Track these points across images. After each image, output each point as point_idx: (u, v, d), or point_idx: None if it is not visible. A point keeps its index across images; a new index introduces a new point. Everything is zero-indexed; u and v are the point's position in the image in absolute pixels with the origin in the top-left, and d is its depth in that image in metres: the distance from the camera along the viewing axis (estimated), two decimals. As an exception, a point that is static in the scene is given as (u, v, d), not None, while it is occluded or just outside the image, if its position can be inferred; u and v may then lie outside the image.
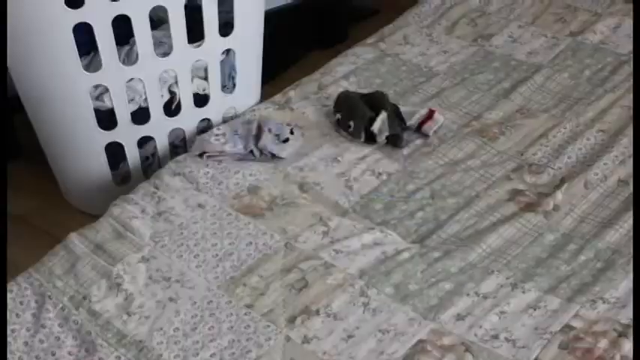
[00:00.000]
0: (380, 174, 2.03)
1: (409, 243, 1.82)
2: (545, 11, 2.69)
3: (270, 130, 2.09)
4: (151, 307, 1.68)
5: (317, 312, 1.64)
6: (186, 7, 2.08)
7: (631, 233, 1.80)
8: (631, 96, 2.24)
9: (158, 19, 2.17)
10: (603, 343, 1.53)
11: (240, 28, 2.21)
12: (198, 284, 1.73)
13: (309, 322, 1.62)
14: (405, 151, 2.10)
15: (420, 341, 1.57)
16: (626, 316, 1.59)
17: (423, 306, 1.64)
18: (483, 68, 2.41)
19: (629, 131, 2.09)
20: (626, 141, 2.06)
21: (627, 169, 1.98)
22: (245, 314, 1.65)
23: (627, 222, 1.83)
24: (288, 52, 3.01)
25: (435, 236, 1.83)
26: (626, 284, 1.67)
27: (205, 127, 2.30)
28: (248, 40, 2.28)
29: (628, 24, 2.57)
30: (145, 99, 2.19)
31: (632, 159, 2.01)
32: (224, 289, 1.71)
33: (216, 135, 2.10)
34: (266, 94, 2.41)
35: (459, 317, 1.62)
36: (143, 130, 2.23)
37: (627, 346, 1.52)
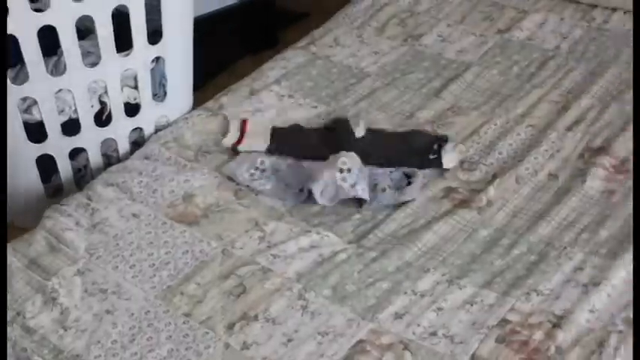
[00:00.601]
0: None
1: (346, 244, 1.82)
2: (473, 10, 2.72)
3: (385, 189, 1.95)
4: (87, 321, 1.66)
5: (255, 317, 1.63)
6: (113, 15, 2.06)
7: (562, 225, 1.83)
8: (558, 91, 2.28)
9: (86, 29, 2.14)
10: (538, 335, 1.56)
11: (169, 36, 2.19)
12: (135, 295, 1.71)
13: (247, 327, 1.62)
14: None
15: (360, 342, 1.57)
16: (560, 307, 1.62)
17: (361, 306, 1.65)
18: (414, 68, 2.43)
19: (558, 125, 2.14)
20: (555, 135, 2.10)
21: (556, 163, 2.02)
22: (183, 323, 1.64)
23: (558, 214, 1.86)
24: (219, 58, 3.00)
25: (372, 236, 1.84)
26: (559, 276, 1.70)
27: (137, 137, 2.28)
28: (177, 48, 2.26)
29: (552, 20, 2.62)
30: (75, 110, 2.17)
31: (560, 153, 2.05)
32: (161, 298, 1.70)
33: (254, 169, 2.03)
34: (197, 101, 2.40)
35: (397, 316, 1.63)
36: (74, 142, 2.21)
37: (561, 336, 1.55)
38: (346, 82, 2.39)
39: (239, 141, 2.11)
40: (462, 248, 1.79)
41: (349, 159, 1.96)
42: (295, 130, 2.16)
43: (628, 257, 1.71)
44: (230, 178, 2.01)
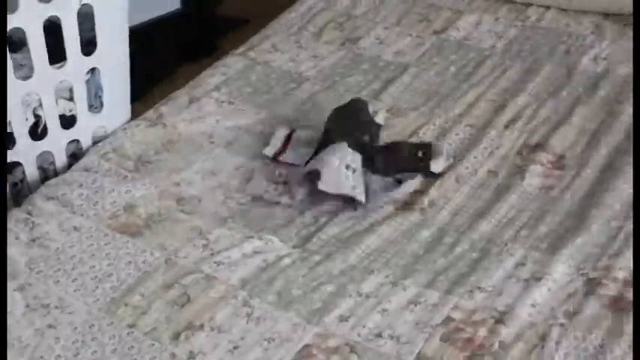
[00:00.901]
0: (258, 183, 2.03)
1: (290, 248, 1.83)
2: (409, 12, 2.74)
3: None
4: (29, 336, 1.63)
5: (201, 326, 1.63)
6: (45, 27, 2.04)
7: (503, 222, 1.86)
8: (495, 90, 2.31)
9: (18, 41, 2.11)
10: (482, 332, 1.58)
11: (103, 46, 2.17)
12: (78, 309, 1.69)
13: (193, 337, 1.61)
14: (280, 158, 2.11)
15: (306, 346, 1.58)
16: (502, 303, 1.64)
17: (307, 310, 1.65)
18: (352, 71, 2.45)
19: (496, 124, 2.16)
20: (494, 134, 2.13)
21: (495, 161, 2.04)
22: (128, 334, 1.63)
23: (499, 212, 1.89)
24: (159, 67, 2.99)
25: (316, 239, 1.84)
26: (501, 272, 1.72)
27: (75, 149, 2.25)
28: (113, 58, 2.24)
29: (488, 20, 2.65)
30: (9, 124, 2.13)
31: (499, 151, 2.08)
32: (105, 311, 1.68)
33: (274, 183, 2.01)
34: (138, 111, 2.37)
35: (343, 318, 1.63)
36: (10, 156, 2.16)
37: (504, 331, 1.57)
38: (286, 87, 2.39)
39: (281, 151, 2.08)
40: (405, 249, 1.80)
41: (355, 159, 1.93)
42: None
43: (567, 252, 1.75)
44: (258, 197, 1.98)
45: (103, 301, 1.70)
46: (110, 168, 2.09)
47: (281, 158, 2.07)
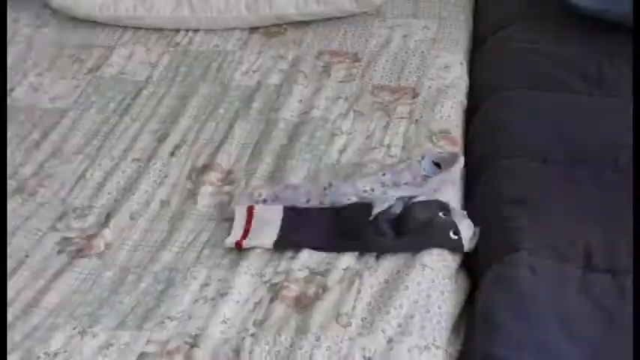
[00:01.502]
0: None
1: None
2: (60, 55, 2.68)
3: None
4: None
5: None
6: None
7: (183, 248, 1.88)
8: (156, 119, 2.32)
9: None
10: (178, 359, 1.59)
11: None
12: None
13: None
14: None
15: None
16: (194, 326, 1.66)
17: (-6, 385, 1.58)
18: (8, 125, 2.35)
19: (161, 153, 2.18)
20: (160, 164, 2.15)
21: (166, 190, 2.06)
22: None
23: (178, 239, 1.91)
24: None
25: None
26: (188, 297, 1.74)
27: None
28: None
29: (139, 51, 2.65)
30: None
31: (168, 180, 2.10)
32: None
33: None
34: None
35: (34, 383, 1.57)
36: None
37: (199, 354, 1.60)
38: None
39: (244, 236, 1.88)
40: (89, 296, 1.77)
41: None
42: (305, 215, 1.93)
43: (247, 263, 1.80)
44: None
45: None
46: None
47: (244, 244, 1.86)
